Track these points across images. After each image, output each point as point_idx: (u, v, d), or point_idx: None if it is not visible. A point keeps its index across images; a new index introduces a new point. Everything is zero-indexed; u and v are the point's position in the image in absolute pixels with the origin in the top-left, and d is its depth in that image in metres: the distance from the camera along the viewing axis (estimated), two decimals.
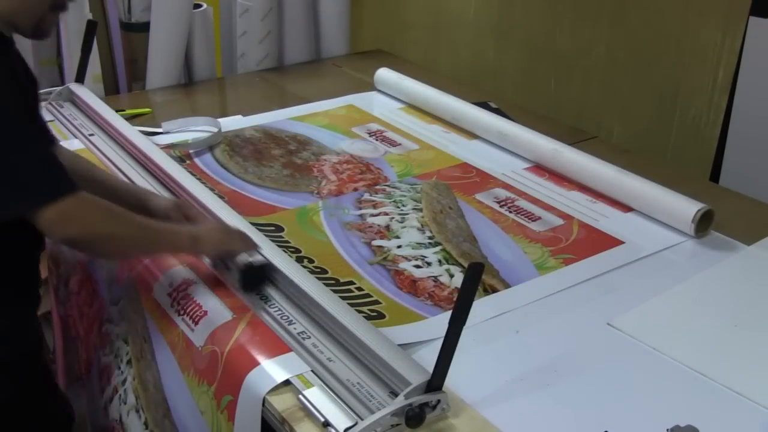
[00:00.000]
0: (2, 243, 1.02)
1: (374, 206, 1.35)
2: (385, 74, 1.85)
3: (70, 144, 1.52)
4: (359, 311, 1.02)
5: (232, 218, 1.18)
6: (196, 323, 1.03)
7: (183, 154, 1.53)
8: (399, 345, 0.95)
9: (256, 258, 1.06)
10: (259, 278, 1.06)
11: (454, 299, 0.86)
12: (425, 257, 1.20)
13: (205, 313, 1.04)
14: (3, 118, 0.93)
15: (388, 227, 1.28)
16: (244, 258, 1.05)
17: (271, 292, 1.06)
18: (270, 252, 1.09)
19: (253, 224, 1.19)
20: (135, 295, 1.17)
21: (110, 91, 1.97)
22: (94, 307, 1.30)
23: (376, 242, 1.24)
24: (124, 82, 2.02)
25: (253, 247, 1.08)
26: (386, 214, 1.33)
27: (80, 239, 0.97)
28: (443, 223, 1.29)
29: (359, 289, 1.12)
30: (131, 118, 1.67)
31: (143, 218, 1.04)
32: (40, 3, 1.01)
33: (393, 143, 1.60)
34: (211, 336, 1.01)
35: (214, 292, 1.07)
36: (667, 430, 0.85)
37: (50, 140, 1.05)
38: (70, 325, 1.43)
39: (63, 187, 0.94)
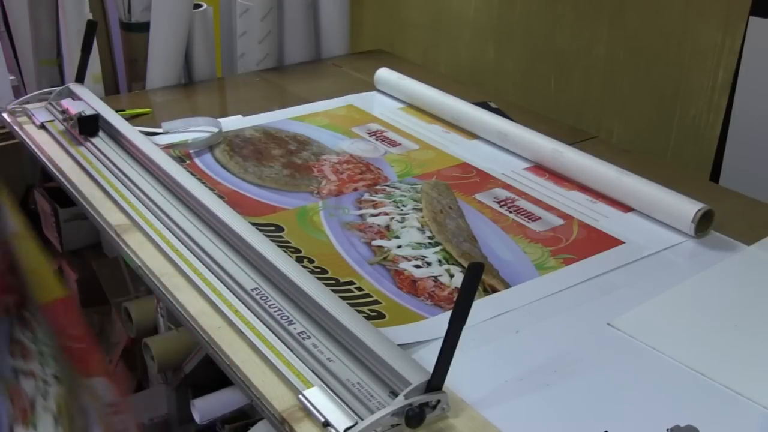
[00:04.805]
0: None
1: (374, 206, 1.35)
2: (385, 74, 1.85)
3: None
4: (359, 311, 1.02)
5: (232, 219, 1.18)
6: None
7: (183, 154, 1.53)
8: (399, 345, 0.94)
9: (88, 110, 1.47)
10: (93, 126, 1.47)
11: (454, 299, 0.86)
12: (425, 257, 1.20)
13: None
14: None
15: (388, 227, 1.28)
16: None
17: (271, 291, 1.07)
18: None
19: (253, 224, 1.19)
20: None
21: (110, 91, 1.97)
22: None
23: (376, 242, 1.24)
24: (124, 82, 2.02)
25: None
26: (386, 214, 1.33)
27: None
28: (443, 223, 1.29)
29: (359, 289, 1.12)
30: (131, 118, 1.67)
31: None
32: None
33: (393, 143, 1.60)
34: None
35: None
36: (667, 430, 0.85)
37: None
38: None
39: None
